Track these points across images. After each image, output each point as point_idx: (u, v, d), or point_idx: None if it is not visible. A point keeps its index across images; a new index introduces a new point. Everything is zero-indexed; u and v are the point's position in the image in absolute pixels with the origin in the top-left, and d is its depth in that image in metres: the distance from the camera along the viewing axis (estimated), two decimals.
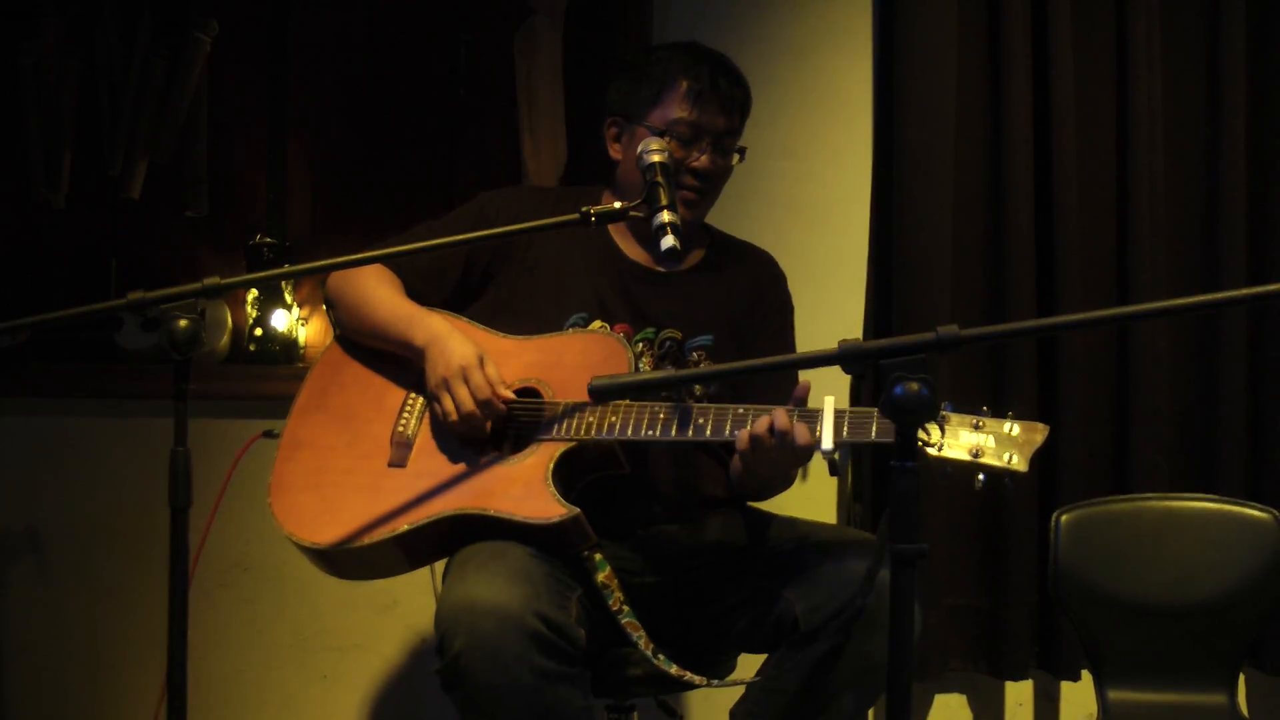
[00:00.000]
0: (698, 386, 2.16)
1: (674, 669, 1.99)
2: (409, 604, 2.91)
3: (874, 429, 1.85)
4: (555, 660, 1.83)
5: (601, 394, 1.67)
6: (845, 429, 1.87)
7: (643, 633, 1.99)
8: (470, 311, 2.24)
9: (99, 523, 2.86)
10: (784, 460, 1.93)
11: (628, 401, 2.00)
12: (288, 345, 3.08)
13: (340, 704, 2.94)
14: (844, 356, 1.49)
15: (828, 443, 1.82)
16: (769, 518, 2.25)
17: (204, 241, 3.16)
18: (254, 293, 3.08)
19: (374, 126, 3.26)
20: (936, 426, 1.78)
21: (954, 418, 1.80)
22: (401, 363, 2.16)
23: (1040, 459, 2.83)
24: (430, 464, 2.07)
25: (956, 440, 1.79)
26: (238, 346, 3.08)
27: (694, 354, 2.21)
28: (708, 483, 2.21)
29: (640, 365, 2.16)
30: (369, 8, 3.26)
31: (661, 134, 2.16)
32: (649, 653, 1.98)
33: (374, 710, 2.94)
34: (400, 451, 2.09)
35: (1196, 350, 2.98)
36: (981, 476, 1.78)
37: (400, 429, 2.11)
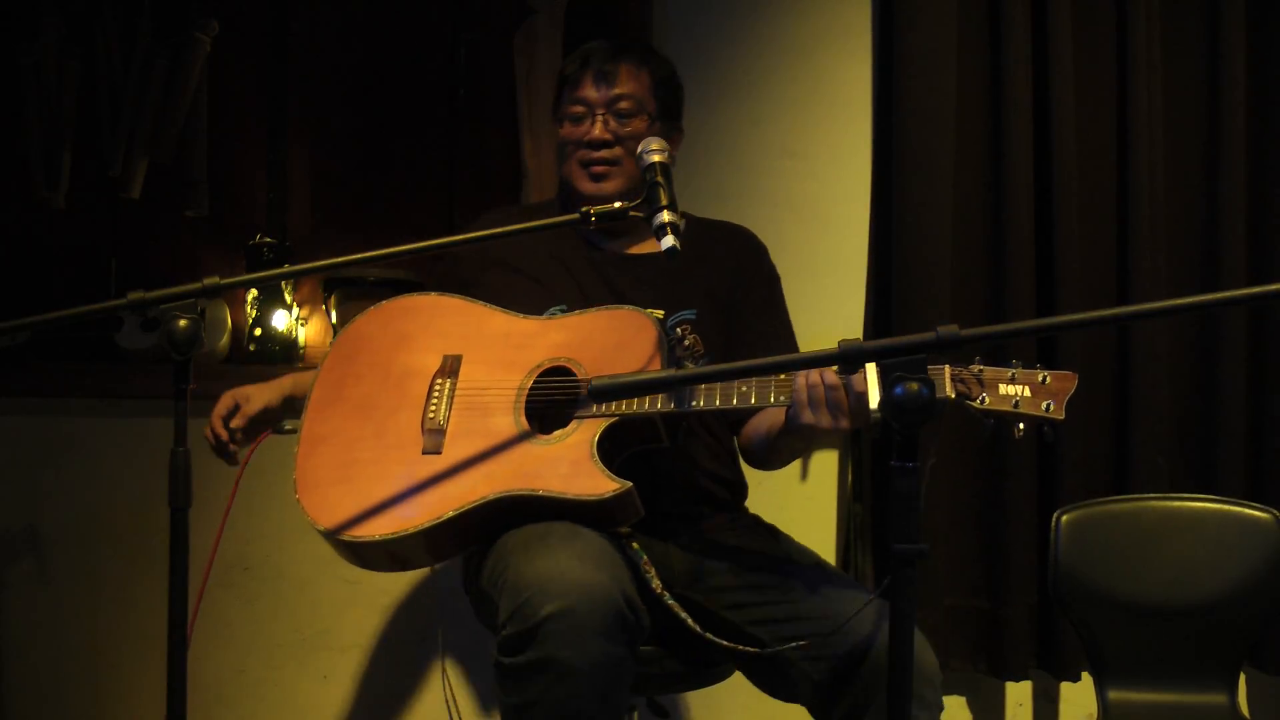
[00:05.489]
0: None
1: (725, 642, 1.98)
2: (409, 604, 2.91)
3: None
4: (628, 643, 1.84)
5: (601, 394, 1.66)
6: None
7: (685, 613, 1.99)
8: None
9: (99, 523, 2.86)
10: (839, 412, 1.89)
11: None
12: (287, 345, 3.08)
13: (340, 704, 2.94)
14: (844, 356, 1.49)
15: (874, 402, 1.79)
16: (773, 553, 2.19)
17: (204, 241, 3.17)
18: (254, 293, 3.09)
19: (374, 126, 3.26)
20: (976, 381, 1.82)
21: (989, 371, 1.83)
22: (414, 352, 2.15)
23: (1040, 459, 2.87)
24: (467, 449, 2.03)
25: (996, 393, 1.82)
26: (238, 346, 3.08)
27: (678, 329, 2.19)
28: (705, 479, 2.19)
29: None
30: (369, 7, 3.27)
31: (561, 122, 2.27)
32: (698, 629, 1.98)
33: (374, 710, 2.94)
34: (434, 439, 2.04)
35: (1196, 350, 2.99)
36: (1021, 425, 1.81)
37: (431, 415, 2.07)
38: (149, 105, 3.05)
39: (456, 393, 2.09)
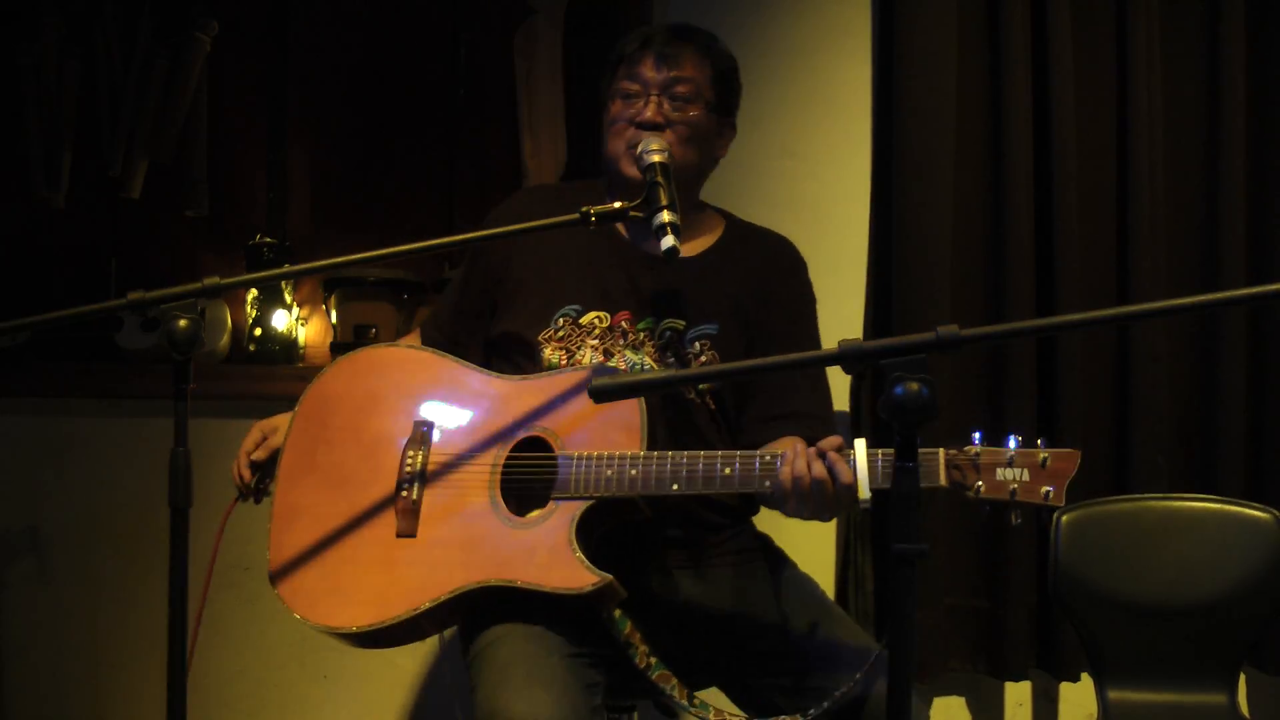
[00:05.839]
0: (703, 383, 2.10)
1: (712, 713, 1.95)
2: None
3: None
4: None
5: (602, 394, 1.65)
6: (880, 474, 1.80)
7: (674, 681, 1.96)
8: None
9: (99, 523, 2.86)
10: (823, 506, 1.84)
11: (644, 453, 1.93)
12: (287, 345, 3.08)
13: (340, 703, 2.93)
14: (844, 356, 1.49)
15: (865, 492, 1.76)
16: (773, 598, 2.14)
17: (204, 241, 3.17)
18: (254, 293, 3.08)
19: (374, 126, 3.26)
20: (972, 467, 1.76)
21: (985, 454, 1.76)
22: (385, 416, 2.08)
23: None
24: (442, 532, 1.98)
25: (993, 478, 1.76)
26: (238, 346, 3.08)
27: (696, 344, 2.12)
28: (704, 508, 2.12)
29: (643, 357, 2.10)
30: (369, 7, 3.27)
31: (612, 99, 2.15)
32: (684, 702, 1.95)
33: (374, 710, 2.94)
34: (408, 520, 1.99)
35: (1196, 350, 2.98)
36: (1017, 515, 1.76)
37: (404, 494, 2.01)
38: (149, 105, 3.05)
39: (429, 467, 2.02)
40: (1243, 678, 2.86)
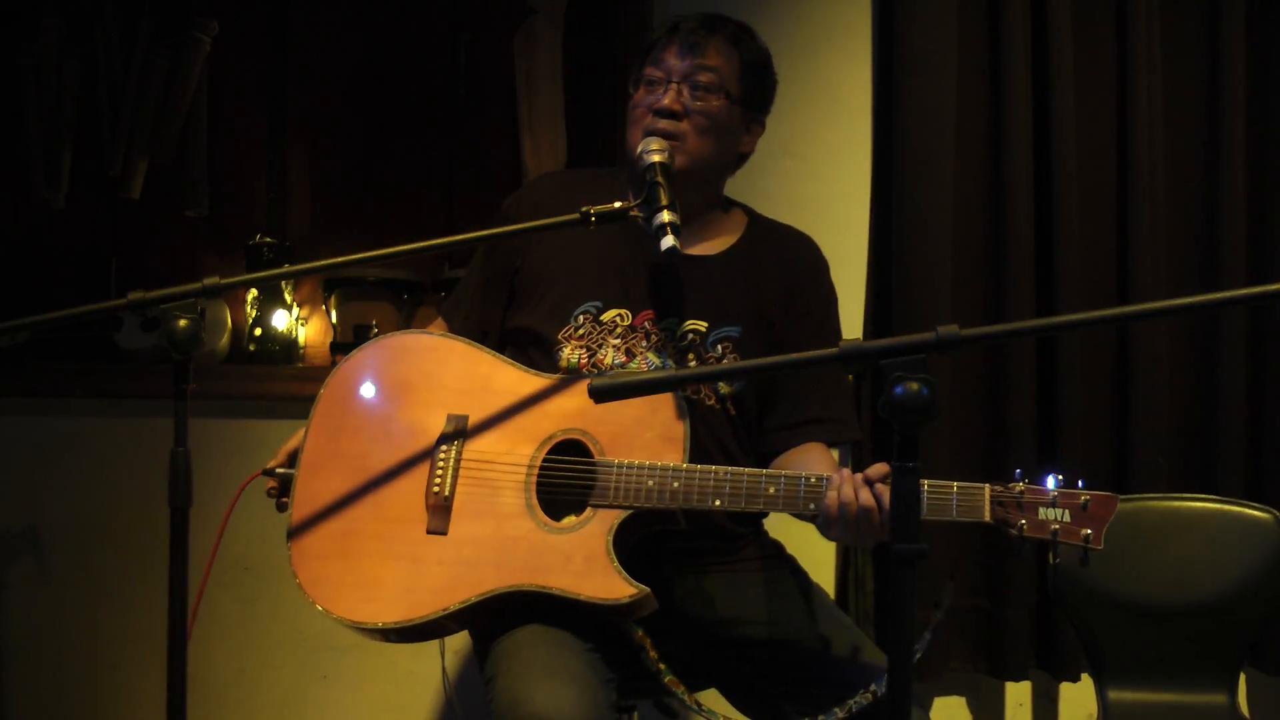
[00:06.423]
0: (722, 385, 2.08)
1: (720, 717, 1.95)
2: None
3: (954, 506, 1.80)
4: None
5: (602, 394, 1.64)
6: (926, 504, 1.79)
7: (683, 686, 1.96)
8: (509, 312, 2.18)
9: (99, 523, 2.86)
10: (868, 533, 1.82)
11: (687, 465, 1.91)
12: (287, 345, 3.08)
13: (340, 703, 2.93)
14: (844, 356, 1.49)
15: None
16: (787, 608, 2.12)
17: (204, 241, 3.17)
18: (254, 293, 3.09)
19: (374, 126, 3.26)
20: (1016, 505, 1.77)
21: (1029, 493, 1.77)
22: (416, 406, 2.03)
23: (1041, 460, 2.87)
24: (474, 531, 1.94)
25: (1035, 517, 1.77)
26: (238, 346, 3.08)
27: (719, 346, 2.09)
28: (720, 516, 2.09)
29: (666, 360, 2.07)
30: (369, 7, 3.26)
31: (636, 87, 2.12)
32: (695, 706, 1.95)
33: (374, 710, 2.94)
34: (439, 517, 1.95)
35: (1196, 350, 2.98)
36: (1055, 556, 1.78)
37: (435, 490, 1.96)
38: (149, 105, 3.05)
39: (462, 463, 1.97)
40: (1243, 678, 2.86)
